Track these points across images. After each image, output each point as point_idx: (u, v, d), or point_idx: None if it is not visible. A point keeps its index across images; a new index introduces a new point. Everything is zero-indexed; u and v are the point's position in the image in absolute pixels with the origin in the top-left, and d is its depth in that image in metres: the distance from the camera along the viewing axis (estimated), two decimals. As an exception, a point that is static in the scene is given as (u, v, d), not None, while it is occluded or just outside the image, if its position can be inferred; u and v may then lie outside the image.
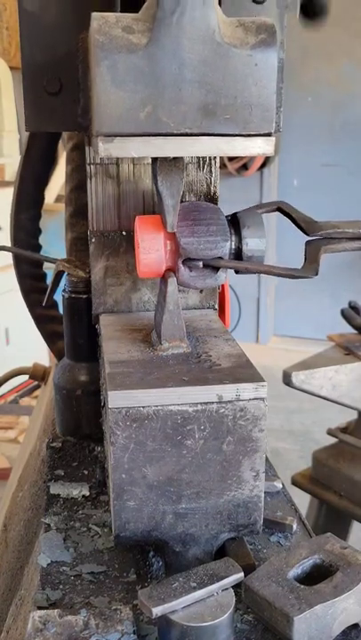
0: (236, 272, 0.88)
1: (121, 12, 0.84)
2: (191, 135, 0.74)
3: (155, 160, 0.81)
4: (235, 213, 0.89)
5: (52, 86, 0.86)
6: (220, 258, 0.84)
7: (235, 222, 0.88)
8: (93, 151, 0.82)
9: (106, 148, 0.73)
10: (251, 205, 0.91)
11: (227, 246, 0.84)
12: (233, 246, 0.87)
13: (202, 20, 0.71)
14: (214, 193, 1.00)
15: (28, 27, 0.85)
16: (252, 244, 0.87)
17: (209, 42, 0.72)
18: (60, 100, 0.87)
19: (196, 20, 0.71)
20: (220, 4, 0.81)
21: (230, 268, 0.87)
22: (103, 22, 0.72)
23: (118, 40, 0.71)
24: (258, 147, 0.76)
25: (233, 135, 0.75)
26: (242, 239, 0.87)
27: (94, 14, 0.73)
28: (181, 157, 0.81)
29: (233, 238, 0.87)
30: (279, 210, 0.90)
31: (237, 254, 0.87)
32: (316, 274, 0.86)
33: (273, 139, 0.76)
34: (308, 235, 0.89)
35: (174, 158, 0.80)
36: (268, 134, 0.76)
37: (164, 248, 0.84)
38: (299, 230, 0.91)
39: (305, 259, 0.89)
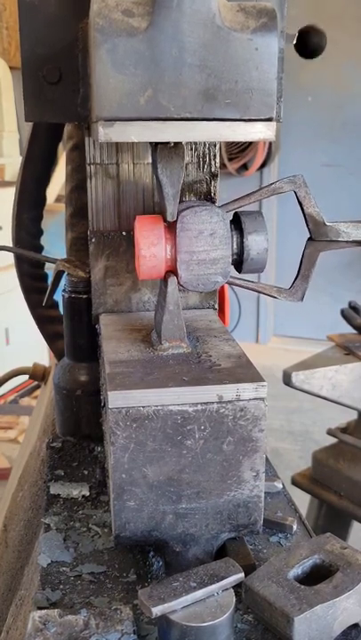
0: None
1: None
2: (192, 120, 0.74)
3: (155, 147, 0.80)
4: (237, 214, 0.88)
5: (52, 76, 0.86)
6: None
7: (237, 223, 0.87)
8: (93, 138, 0.82)
9: (106, 133, 0.73)
10: (251, 207, 0.91)
11: (223, 280, 0.86)
12: (235, 249, 0.87)
13: (202, 4, 0.71)
14: (214, 193, 1.00)
15: (27, 16, 0.85)
16: (254, 252, 0.87)
17: (209, 26, 0.72)
18: (59, 90, 0.86)
19: (197, 4, 0.71)
20: None
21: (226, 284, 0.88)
22: (103, 6, 0.71)
23: (118, 23, 0.71)
24: (259, 131, 0.76)
25: (234, 120, 0.75)
26: (244, 246, 0.87)
27: None
28: (182, 144, 0.80)
29: (235, 240, 0.87)
30: (295, 193, 0.89)
31: (239, 257, 0.87)
32: (302, 299, 0.91)
33: (274, 124, 0.76)
34: (312, 238, 0.90)
35: (174, 145, 0.80)
36: (269, 119, 0.76)
37: (164, 250, 0.84)
38: (299, 228, 0.91)
39: (299, 268, 0.91)
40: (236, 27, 0.73)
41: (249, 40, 0.73)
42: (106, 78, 0.72)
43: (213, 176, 0.99)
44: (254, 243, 0.86)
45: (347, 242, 0.90)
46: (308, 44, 0.97)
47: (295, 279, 0.91)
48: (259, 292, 0.91)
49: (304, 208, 0.89)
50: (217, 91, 0.73)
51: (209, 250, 0.84)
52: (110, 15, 0.71)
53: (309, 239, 0.90)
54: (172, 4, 0.70)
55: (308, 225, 0.90)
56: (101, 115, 0.72)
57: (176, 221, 0.83)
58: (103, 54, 0.71)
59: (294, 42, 0.95)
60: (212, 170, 0.99)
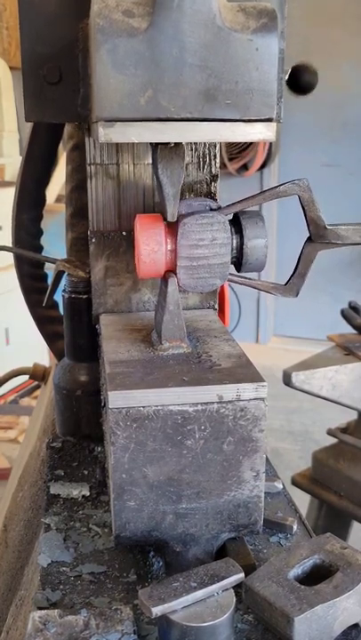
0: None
1: None
2: (192, 120, 0.74)
3: (155, 147, 0.80)
4: (237, 216, 0.89)
5: (52, 76, 0.86)
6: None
7: (237, 225, 0.88)
8: (93, 138, 0.82)
9: (106, 134, 0.73)
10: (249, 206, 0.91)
11: (222, 282, 0.86)
12: (234, 252, 0.87)
13: (203, 4, 0.71)
14: (214, 193, 1.00)
15: (27, 16, 0.85)
16: (253, 257, 0.88)
17: (210, 26, 0.72)
18: (59, 90, 0.86)
19: (197, 4, 0.71)
20: None
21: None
22: (104, 6, 0.71)
23: (119, 24, 0.71)
24: (259, 132, 0.76)
25: (234, 120, 0.75)
26: (243, 252, 0.87)
27: None
28: (182, 144, 0.80)
29: (235, 245, 0.87)
30: (298, 197, 0.89)
31: (238, 260, 0.88)
32: (297, 295, 0.92)
33: (274, 124, 0.76)
34: (311, 239, 0.90)
35: (175, 145, 0.80)
36: (269, 120, 0.76)
37: (164, 249, 0.84)
38: (300, 228, 0.91)
39: (296, 265, 0.92)
40: (236, 27, 0.73)
41: (249, 40, 0.73)
42: (106, 79, 0.72)
43: (214, 176, 0.99)
44: (254, 249, 0.87)
45: (344, 243, 0.91)
46: (300, 81, 0.98)
47: (291, 276, 0.92)
48: (256, 288, 0.92)
49: (307, 212, 0.89)
50: (217, 91, 0.73)
51: (209, 256, 0.84)
52: (111, 16, 0.71)
53: (309, 239, 0.91)
54: (172, 4, 0.70)
55: (308, 228, 0.90)
56: (102, 115, 0.72)
57: (177, 221, 0.83)
58: (104, 55, 0.71)
59: (286, 77, 0.96)
60: (213, 170, 0.99)
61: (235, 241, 0.87)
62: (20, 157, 1.26)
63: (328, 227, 0.90)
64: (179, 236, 0.83)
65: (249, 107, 0.74)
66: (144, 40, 0.71)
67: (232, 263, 0.88)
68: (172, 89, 0.72)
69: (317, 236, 0.90)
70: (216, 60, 0.73)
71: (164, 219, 0.84)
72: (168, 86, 0.72)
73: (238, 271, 0.90)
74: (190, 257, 0.84)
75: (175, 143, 0.80)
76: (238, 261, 0.88)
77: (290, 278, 0.92)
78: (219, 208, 0.86)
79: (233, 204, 0.88)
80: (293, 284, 0.92)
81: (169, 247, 0.84)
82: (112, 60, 0.71)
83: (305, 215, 0.89)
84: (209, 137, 0.75)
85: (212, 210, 0.85)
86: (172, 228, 0.84)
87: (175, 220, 0.83)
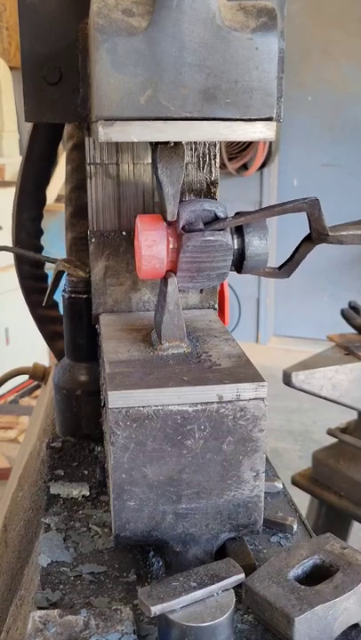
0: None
1: None
2: (192, 119, 0.74)
3: (155, 147, 0.80)
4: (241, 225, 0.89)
5: (52, 76, 0.86)
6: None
7: (239, 234, 0.88)
8: (93, 138, 0.82)
9: (106, 133, 0.73)
10: (249, 206, 0.91)
11: (220, 282, 0.88)
12: (236, 248, 0.87)
13: (202, 3, 0.71)
14: (214, 193, 1.00)
15: (27, 17, 0.85)
16: (249, 268, 0.89)
17: (209, 25, 0.72)
18: (59, 90, 0.86)
19: (197, 3, 0.71)
20: None
21: None
22: (103, 5, 0.71)
23: (118, 23, 0.71)
24: (259, 131, 0.76)
25: (234, 120, 0.75)
26: (243, 265, 0.88)
27: None
28: (181, 144, 0.80)
29: (236, 240, 0.87)
30: (307, 214, 0.89)
31: (240, 255, 0.88)
32: (289, 276, 0.94)
33: (274, 124, 0.76)
34: (312, 242, 0.91)
35: (175, 144, 0.80)
36: (269, 119, 0.76)
37: (166, 260, 0.84)
38: (300, 229, 0.92)
39: (293, 253, 0.93)
40: (236, 26, 0.73)
41: (249, 39, 0.73)
42: (106, 78, 0.72)
43: (213, 176, 0.99)
44: (255, 263, 0.88)
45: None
46: None
47: (286, 262, 0.93)
48: (250, 273, 0.93)
49: (312, 225, 0.89)
50: (217, 90, 0.73)
51: (208, 268, 0.85)
52: (110, 15, 0.71)
53: (309, 236, 0.91)
54: (172, 3, 0.70)
55: (311, 233, 0.90)
56: (101, 114, 0.72)
57: (177, 220, 0.83)
58: (103, 54, 0.71)
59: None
60: (212, 170, 0.99)
61: (236, 252, 0.87)
62: (20, 157, 1.26)
63: (331, 233, 0.90)
64: (180, 253, 0.83)
65: (249, 106, 0.74)
66: (144, 39, 0.71)
67: (235, 258, 0.88)
68: (171, 88, 0.72)
69: (319, 239, 0.90)
70: (216, 58, 0.73)
71: (164, 218, 0.84)
72: (168, 85, 0.72)
73: (238, 273, 0.90)
74: (190, 269, 0.84)
75: (175, 143, 0.79)
76: (237, 268, 0.89)
77: (284, 263, 0.93)
78: (225, 217, 0.85)
79: (238, 216, 0.87)
80: (287, 269, 0.93)
81: (170, 248, 0.84)
82: (112, 60, 0.71)
83: (310, 226, 0.89)
84: (209, 136, 0.75)
85: (217, 218, 0.85)
86: (174, 228, 0.84)
87: (175, 219, 0.83)
